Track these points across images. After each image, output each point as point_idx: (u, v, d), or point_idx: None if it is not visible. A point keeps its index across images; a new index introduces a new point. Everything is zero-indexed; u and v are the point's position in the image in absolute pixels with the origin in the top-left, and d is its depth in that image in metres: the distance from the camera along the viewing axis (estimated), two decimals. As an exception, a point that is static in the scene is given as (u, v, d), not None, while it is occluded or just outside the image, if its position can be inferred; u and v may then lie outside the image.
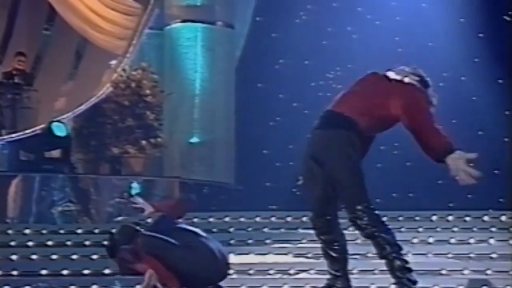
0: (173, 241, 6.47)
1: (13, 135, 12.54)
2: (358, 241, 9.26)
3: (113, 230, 6.72)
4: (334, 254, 6.14)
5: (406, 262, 6.04)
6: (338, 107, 6.01)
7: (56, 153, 12.34)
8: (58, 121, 12.37)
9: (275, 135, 12.68)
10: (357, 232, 9.39)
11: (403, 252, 6.10)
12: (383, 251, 5.93)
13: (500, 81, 12.60)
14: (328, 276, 6.08)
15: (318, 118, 6.04)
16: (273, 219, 10.33)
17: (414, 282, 5.93)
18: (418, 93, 6.27)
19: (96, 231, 10.17)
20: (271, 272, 8.84)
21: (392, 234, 6.03)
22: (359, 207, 5.95)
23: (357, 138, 5.93)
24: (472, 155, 5.94)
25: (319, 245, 9.05)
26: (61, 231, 10.20)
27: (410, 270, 5.98)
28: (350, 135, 5.91)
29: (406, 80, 6.18)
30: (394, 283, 5.99)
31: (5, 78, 13.54)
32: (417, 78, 6.42)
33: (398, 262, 5.95)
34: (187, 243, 6.53)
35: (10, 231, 10.16)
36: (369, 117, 5.97)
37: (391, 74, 6.18)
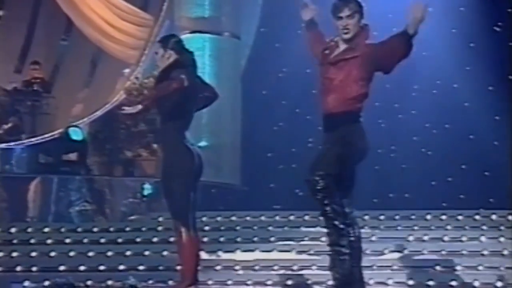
0: None
1: (33, 139, 12.55)
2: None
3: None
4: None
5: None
6: None
7: (73, 156, 12.34)
8: (75, 126, 12.38)
9: (279, 139, 12.68)
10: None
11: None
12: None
13: (490, 88, 12.58)
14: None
15: None
16: (277, 218, 10.34)
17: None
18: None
19: (111, 229, 10.18)
20: (275, 268, 8.84)
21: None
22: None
23: None
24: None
25: (320, 243, 9.11)
26: (78, 230, 10.20)
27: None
28: None
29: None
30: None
31: (24, 86, 13.57)
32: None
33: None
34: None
35: (30, 230, 10.17)
36: None
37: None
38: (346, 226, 5.83)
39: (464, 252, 9.02)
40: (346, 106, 5.95)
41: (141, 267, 8.99)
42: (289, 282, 8.47)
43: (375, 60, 6.06)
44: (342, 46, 6.07)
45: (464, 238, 9.38)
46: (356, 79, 5.98)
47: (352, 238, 5.84)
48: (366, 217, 10.05)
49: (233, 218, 10.36)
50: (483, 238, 9.34)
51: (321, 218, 5.99)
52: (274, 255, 9.14)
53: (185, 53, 6.50)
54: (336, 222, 5.76)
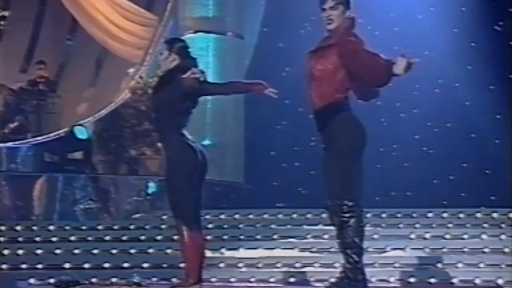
0: None
1: (38, 138, 12.55)
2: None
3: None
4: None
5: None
6: None
7: (78, 155, 12.34)
8: (80, 125, 12.38)
9: (282, 138, 12.66)
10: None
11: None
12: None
13: (491, 87, 12.56)
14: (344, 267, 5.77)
15: None
16: (280, 216, 10.32)
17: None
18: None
19: (116, 227, 10.19)
20: (278, 265, 8.82)
21: None
22: None
23: None
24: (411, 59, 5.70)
25: (323, 241, 9.09)
26: (83, 227, 10.20)
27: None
28: None
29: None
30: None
31: (30, 85, 13.57)
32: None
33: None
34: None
35: (35, 228, 10.18)
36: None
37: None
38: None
39: (465, 249, 9.00)
40: (329, 98, 5.75)
41: (145, 265, 8.98)
42: (292, 280, 8.46)
43: (352, 56, 5.75)
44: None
45: (465, 236, 9.36)
46: (335, 68, 5.75)
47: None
48: (368, 215, 10.01)
49: (236, 216, 10.34)
50: (484, 236, 9.32)
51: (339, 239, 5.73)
52: (277, 252, 9.13)
53: (188, 59, 6.47)
54: (350, 251, 5.61)
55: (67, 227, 10.16)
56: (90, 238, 9.79)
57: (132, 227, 10.19)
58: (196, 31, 12.85)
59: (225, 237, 9.64)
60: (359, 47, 5.77)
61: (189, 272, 6.29)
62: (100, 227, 10.17)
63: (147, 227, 10.17)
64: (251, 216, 10.33)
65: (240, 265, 8.90)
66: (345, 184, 5.62)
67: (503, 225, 9.60)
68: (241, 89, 6.89)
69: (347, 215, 5.59)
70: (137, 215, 11.22)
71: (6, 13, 14.98)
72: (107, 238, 9.77)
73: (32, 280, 8.53)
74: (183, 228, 6.25)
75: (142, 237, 9.73)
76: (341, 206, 5.59)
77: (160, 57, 6.68)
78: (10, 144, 12.41)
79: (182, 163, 6.25)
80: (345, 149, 5.68)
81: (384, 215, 10.09)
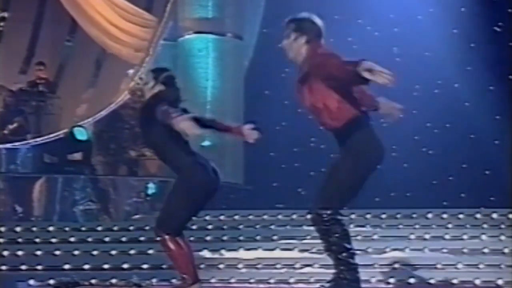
0: None
1: (38, 139, 12.55)
2: (358, 237, 9.28)
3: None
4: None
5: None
6: None
7: (77, 156, 12.35)
8: (80, 126, 12.38)
9: (281, 138, 12.65)
10: (357, 229, 9.44)
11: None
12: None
13: (491, 88, 12.56)
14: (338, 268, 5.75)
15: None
16: (279, 217, 10.31)
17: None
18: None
19: (115, 228, 10.18)
20: (277, 266, 8.82)
21: None
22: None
23: None
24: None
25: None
26: (83, 229, 10.19)
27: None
28: None
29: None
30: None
31: (29, 87, 13.58)
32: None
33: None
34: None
35: (35, 229, 10.17)
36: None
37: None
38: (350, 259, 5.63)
39: (465, 250, 9.00)
40: (344, 117, 5.63)
41: (145, 266, 8.98)
42: (292, 280, 8.46)
43: (326, 71, 5.62)
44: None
45: (465, 237, 9.35)
46: (328, 92, 5.62)
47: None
48: (368, 216, 10.03)
49: (236, 217, 10.33)
50: (483, 237, 9.31)
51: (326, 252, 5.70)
52: (277, 253, 9.13)
53: (172, 89, 6.45)
54: (343, 255, 5.58)
55: (67, 228, 10.15)
56: (89, 239, 9.78)
57: (131, 228, 10.19)
58: (195, 32, 12.86)
59: (224, 238, 9.64)
60: (326, 60, 5.64)
61: (183, 274, 6.28)
62: (99, 228, 10.16)
63: (146, 228, 10.14)
64: (250, 217, 10.32)
65: (240, 266, 8.90)
66: (332, 195, 5.58)
67: (502, 226, 9.59)
68: (221, 128, 6.83)
69: (327, 224, 5.56)
70: (137, 216, 11.22)
71: (5, 14, 15.00)
72: (107, 239, 9.76)
73: (31, 281, 8.53)
74: (165, 237, 6.22)
75: (142, 238, 9.72)
76: (320, 215, 5.56)
77: (145, 87, 6.62)
78: (9, 145, 12.41)
79: (192, 185, 6.20)
80: (357, 167, 5.63)
81: (383, 216, 10.08)
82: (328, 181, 5.65)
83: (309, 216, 5.69)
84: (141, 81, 12.66)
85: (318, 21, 5.86)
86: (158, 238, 6.29)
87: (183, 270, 6.25)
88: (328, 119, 5.66)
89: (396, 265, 8.68)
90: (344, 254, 5.58)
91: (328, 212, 5.55)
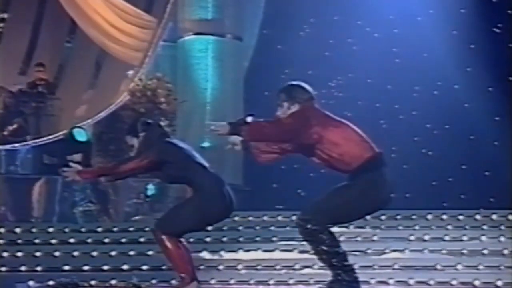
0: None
1: (37, 140, 12.55)
2: (358, 238, 9.29)
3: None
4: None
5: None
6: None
7: (77, 157, 12.33)
8: (79, 127, 12.39)
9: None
10: (357, 230, 9.45)
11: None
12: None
13: (490, 89, 12.56)
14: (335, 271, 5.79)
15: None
16: (279, 218, 10.31)
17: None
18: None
19: (115, 229, 10.18)
20: (277, 267, 8.83)
21: None
22: None
23: None
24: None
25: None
26: (82, 230, 10.20)
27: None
28: None
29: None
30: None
31: (29, 88, 13.58)
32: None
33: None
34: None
35: (34, 230, 10.16)
36: None
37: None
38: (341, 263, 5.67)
39: (464, 251, 9.00)
40: (349, 167, 5.71)
41: (144, 267, 8.99)
42: (291, 281, 8.46)
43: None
44: None
45: (464, 238, 9.36)
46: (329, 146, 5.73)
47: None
48: (368, 217, 10.02)
49: (236, 218, 10.31)
50: (483, 238, 9.32)
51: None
52: (277, 254, 9.14)
53: (151, 130, 6.54)
54: (334, 261, 5.62)
55: (66, 229, 10.15)
56: (89, 240, 9.78)
57: (131, 229, 10.18)
58: (195, 33, 12.87)
59: (224, 239, 9.64)
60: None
61: (181, 273, 6.31)
62: (99, 229, 10.16)
63: (146, 229, 10.12)
64: (250, 218, 10.32)
65: (240, 267, 8.90)
66: (323, 212, 5.63)
67: (502, 227, 9.59)
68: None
69: (311, 235, 5.60)
70: (137, 217, 11.22)
71: (5, 15, 15.00)
72: (106, 240, 9.76)
73: (31, 283, 8.53)
74: (162, 236, 6.27)
75: (141, 239, 9.72)
76: (303, 226, 5.62)
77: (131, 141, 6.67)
78: (9, 146, 12.41)
79: (209, 206, 6.29)
80: (360, 204, 5.71)
81: (383, 217, 10.07)
82: (326, 199, 5.72)
83: (294, 220, 5.74)
84: (140, 82, 12.65)
85: (308, 87, 5.96)
86: (156, 237, 6.30)
87: (180, 270, 6.29)
88: (337, 165, 5.73)
89: (396, 266, 8.68)
90: (335, 259, 5.60)
91: (311, 224, 5.60)
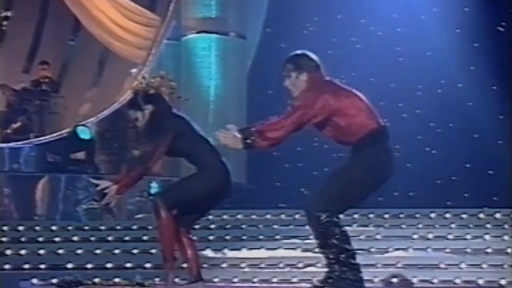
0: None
1: (41, 138, 12.56)
2: (361, 237, 9.29)
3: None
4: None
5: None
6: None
7: (80, 155, 12.35)
8: (83, 125, 12.38)
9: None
10: (360, 228, 9.45)
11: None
12: None
13: (494, 87, 12.56)
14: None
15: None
16: (282, 216, 10.33)
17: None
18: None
19: (118, 227, 10.20)
20: (280, 265, 8.84)
21: None
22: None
23: None
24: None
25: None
26: (86, 228, 10.22)
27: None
28: None
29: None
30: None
31: (33, 86, 13.58)
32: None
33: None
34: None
35: (38, 228, 10.19)
36: None
37: None
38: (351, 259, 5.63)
39: (468, 250, 9.00)
40: (352, 138, 5.68)
41: (147, 265, 8.99)
42: (295, 280, 8.46)
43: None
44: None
45: (468, 236, 9.36)
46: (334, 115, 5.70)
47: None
48: (371, 216, 10.04)
49: (239, 216, 10.35)
50: (487, 237, 9.32)
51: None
52: (280, 253, 9.14)
53: (158, 101, 6.52)
54: (342, 256, 5.58)
55: (70, 227, 10.17)
56: (92, 238, 9.80)
57: (134, 227, 10.20)
58: (198, 32, 12.87)
59: (227, 237, 9.65)
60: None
61: (192, 270, 6.27)
62: (102, 227, 10.18)
63: (149, 227, 10.16)
64: (253, 217, 10.33)
65: (243, 265, 8.91)
66: (334, 199, 5.58)
67: (506, 226, 9.59)
68: None
69: (324, 226, 5.57)
70: (140, 216, 11.23)
71: (8, 13, 15.01)
72: (110, 238, 9.78)
73: (34, 280, 8.54)
74: (160, 203, 6.14)
75: (145, 237, 9.74)
76: (318, 217, 5.57)
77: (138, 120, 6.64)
78: (12, 144, 12.42)
79: (214, 182, 6.28)
80: (367, 180, 5.65)
81: (386, 216, 10.09)
82: (331, 185, 5.65)
83: (304, 214, 5.69)
84: (143, 80, 12.65)
85: (313, 55, 5.96)
86: (154, 206, 6.17)
87: (165, 247, 6.19)
88: (343, 136, 5.70)
89: (399, 265, 8.68)
90: (343, 255, 5.58)
91: (325, 215, 5.55)
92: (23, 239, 9.85)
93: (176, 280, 7.92)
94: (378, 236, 9.40)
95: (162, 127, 6.29)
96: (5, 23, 14.97)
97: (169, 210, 6.12)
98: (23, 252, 9.43)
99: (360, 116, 5.70)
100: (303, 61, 5.97)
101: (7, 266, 9.09)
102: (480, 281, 8.22)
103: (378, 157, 5.69)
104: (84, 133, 12.19)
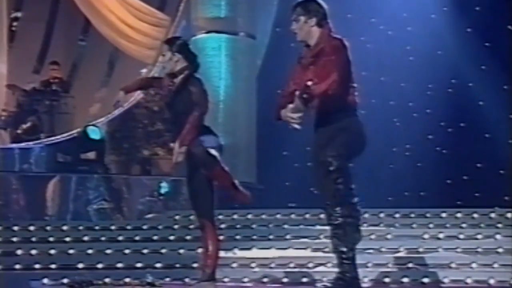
0: None
1: (51, 138, 12.60)
2: (372, 236, 9.29)
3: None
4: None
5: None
6: None
7: (91, 155, 12.39)
8: (93, 125, 12.42)
9: (294, 138, 12.62)
10: (371, 228, 9.44)
11: None
12: None
13: (505, 87, 12.54)
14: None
15: None
16: (292, 216, 10.33)
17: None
18: None
19: (128, 227, 10.21)
20: (291, 265, 8.83)
21: None
22: None
23: None
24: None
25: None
26: (96, 228, 10.24)
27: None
28: None
29: None
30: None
31: (43, 86, 13.64)
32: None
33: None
34: None
35: (48, 228, 10.21)
36: None
37: None
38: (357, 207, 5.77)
39: (479, 250, 8.99)
40: (338, 100, 5.93)
41: (158, 265, 9.00)
42: (305, 280, 8.46)
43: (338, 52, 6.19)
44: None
45: (479, 236, 9.34)
46: (329, 72, 5.95)
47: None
48: (382, 215, 10.04)
49: (249, 216, 10.36)
50: (498, 236, 9.30)
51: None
52: (290, 252, 9.14)
53: (190, 55, 6.62)
54: (354, 200, 5.71)
55: (81, 227, 10.19)
56: (103, 238, 9.82)
57: (145, 227, 10.22)
58: (208, 31, 12.88)
59: (237, 237, 9.66)
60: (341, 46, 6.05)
61: (208, 269, 6.38)
62: (113, 227, 10.20)
63: (160, 227, 10.20)
64: (263, 216, 10.34)
65: (253, 265, 8.91)
66: (341, 146, 5.82)
67: (517, 225, 9.58)
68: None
69: (337, 221, 5.66)
70: (150, 215, 11.25)
71: (19, 14, 15.07)
72: (120, 238, 9.80)
73: (45, 280, 8.56)
74: (207, 225, 6.36)
75: (155, 237, 9.76)
76: (331, 162, 5.77)
77: (163, 58, 6.77)
78: (23, 144, 12.47)
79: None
80: (353, 143, 5.88)
81: (397, 215, 10.08)
82: (337, 139, 5.90)
83: (312, 166, 5.84)
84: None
85: (323, 2, 5.95)
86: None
87: (212, 263, 6.40)
88: (326, 85, 5.88)
89: (410, 265, 8.67)
90: (347, 209, 5.64)
91: (336, 162, 5.71)
92: (34, 239, 9.88)
93: (186, 280, 7.97)
94: (389, 236, 9.39)
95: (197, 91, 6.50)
96: (15, 23, 15.03)
97: (214, 226, 6.65)
98: (34, 252, 9.46)
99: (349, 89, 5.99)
100: (313, 6, 6.10)
101: (18, 266, 9.11)
102: (492, 281, 8.20)
103: (359, 125, 5.95)
104: (95, 133, 12.23)
